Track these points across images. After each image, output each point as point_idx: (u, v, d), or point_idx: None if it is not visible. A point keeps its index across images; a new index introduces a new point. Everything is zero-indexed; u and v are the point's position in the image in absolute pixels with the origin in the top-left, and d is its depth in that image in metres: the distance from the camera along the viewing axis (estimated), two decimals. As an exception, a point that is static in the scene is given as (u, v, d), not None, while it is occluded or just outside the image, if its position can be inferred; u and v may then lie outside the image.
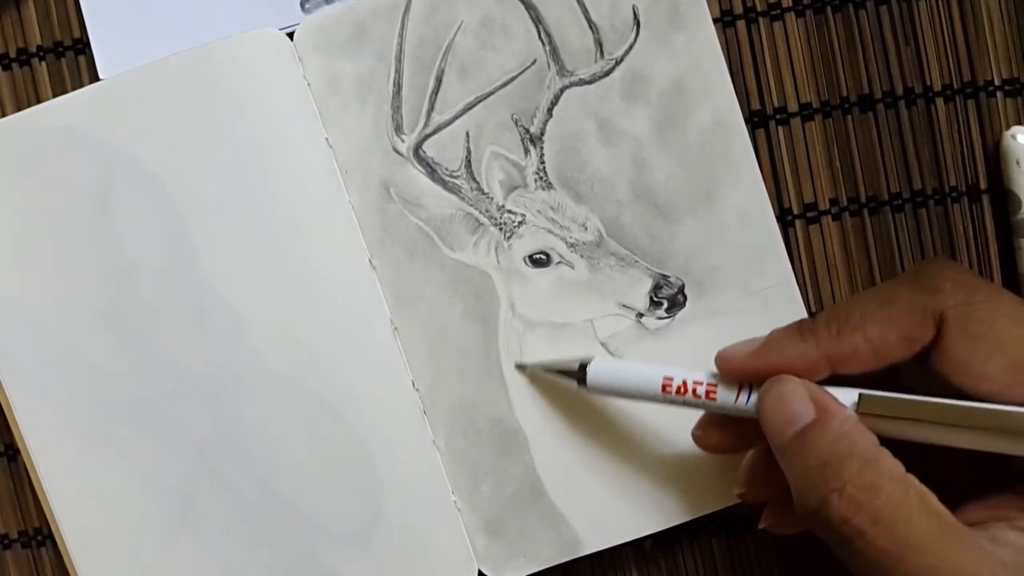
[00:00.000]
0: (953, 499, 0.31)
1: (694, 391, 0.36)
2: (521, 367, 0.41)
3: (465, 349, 0.41)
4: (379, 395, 0.41)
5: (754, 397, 0.35)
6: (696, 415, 0.37)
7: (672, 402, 0.36)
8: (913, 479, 0.31)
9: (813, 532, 0.37)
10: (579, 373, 0.38)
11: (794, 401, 0.33)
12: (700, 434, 0.37)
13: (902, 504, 0.30)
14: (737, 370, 0.35)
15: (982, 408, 0.32)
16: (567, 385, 0.39)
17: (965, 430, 0.32)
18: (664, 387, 0.36)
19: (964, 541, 0.30)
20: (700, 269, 0.41)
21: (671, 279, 0.41)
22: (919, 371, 0.33)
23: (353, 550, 0.41)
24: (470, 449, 0.41)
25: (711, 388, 0.36)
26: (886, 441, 0.32)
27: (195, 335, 0.41)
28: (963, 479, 0.33)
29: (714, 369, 0.36)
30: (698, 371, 0.36)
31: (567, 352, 0.41)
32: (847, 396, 0.33)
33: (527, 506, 0.41)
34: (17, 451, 0.42)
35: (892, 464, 0.31)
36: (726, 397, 0.35)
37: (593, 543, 0.41)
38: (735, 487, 0.38)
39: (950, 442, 0.32)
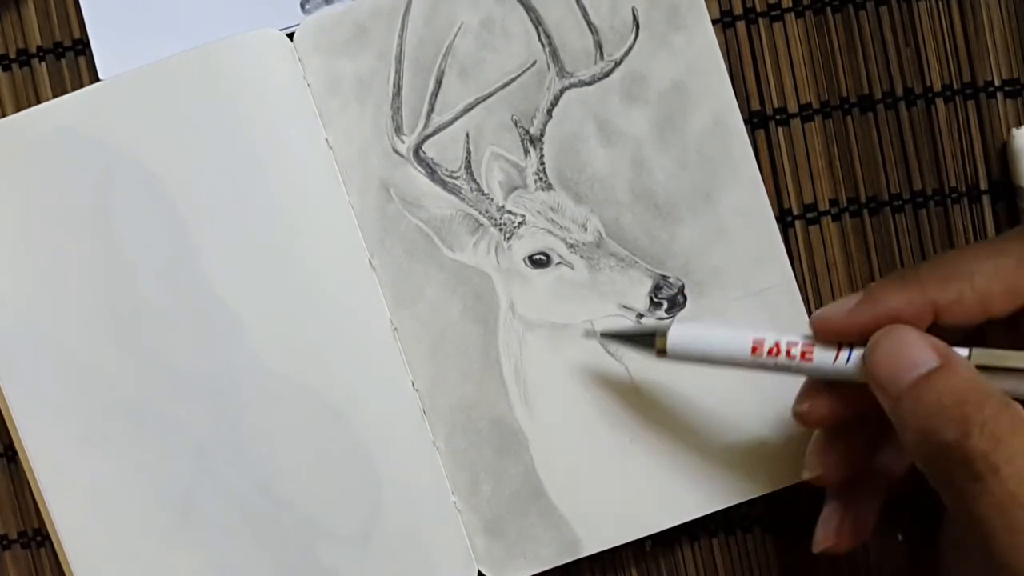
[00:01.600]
0: None
1: (788, 351, 0.35)
2: (599, 333, 0.40)
3: (465, 349, 0.41)
4: (379, 395, 0.41)
5: (855, 355, 0.34)
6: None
7: (762, 366, 0.35)
8: None
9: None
10: (659, 340, 0.37)
11: (914, 347, 0.32)
12: (807, 408, 0.36)
13: None
14: (839, 327, 0.34)
15: None
16: (644, 354, 0.38)
17: None
18: (754, 349, 0.35)
19: None
20: (700, 270, 0.41)
21: (671, 280, 0.41)
22: (1008, 336, 0.33)
23: (353, 550, 0.41)
24: (470, 449, 0.41)
25: (807, 349, 0.34)
26: None
27: (194, 335, 0.41)
28: None
29: (804, 331, 0.35)
30: (790, 332, 0.35)
31: (571, 351, 0.41)
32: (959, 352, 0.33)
33: (527, 506, 0.41)
34: (16, 452, 0.41)
35: (1020, 409, 0.31)
36: (824, 357, 0.34)
37: (593, 544, 0.41)
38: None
39: None
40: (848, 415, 0.36)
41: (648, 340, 0.37)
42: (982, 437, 0.30)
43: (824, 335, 0.35)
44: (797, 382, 0.36)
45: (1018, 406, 0.31)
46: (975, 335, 0.34)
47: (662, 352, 0.37)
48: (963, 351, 0.33)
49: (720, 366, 0.36)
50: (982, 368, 0.33)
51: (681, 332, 0.37)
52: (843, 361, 0.34)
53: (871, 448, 0.37)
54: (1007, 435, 0.30)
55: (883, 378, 0.33)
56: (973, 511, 0.30)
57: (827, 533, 0.37)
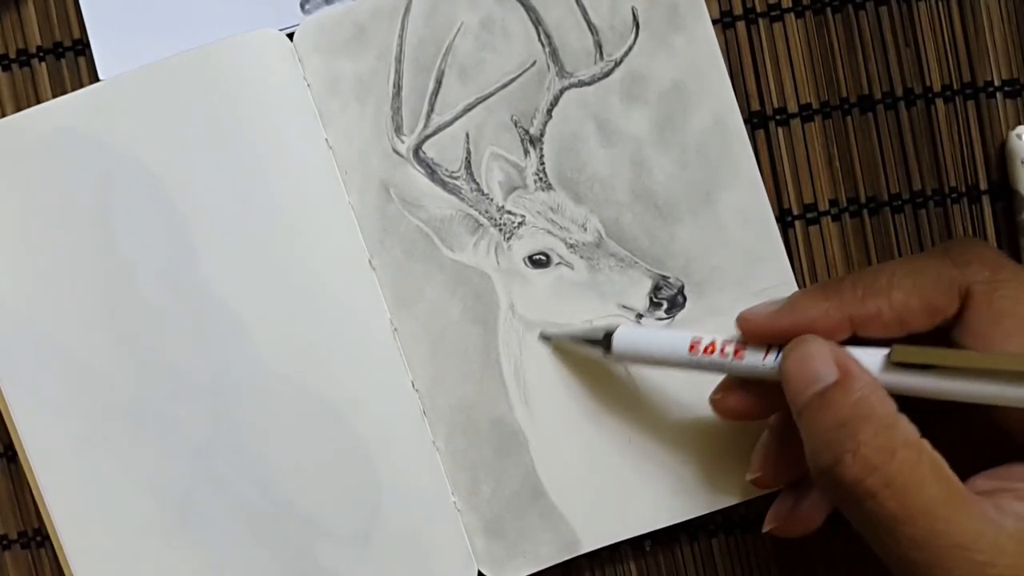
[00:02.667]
0: (963, 470, 0.32)
1: (722, 350, 0.36)
2: (546, 337, 0.41)
3: (465, 350, 0.41)
4: (379, 396, 0.41)
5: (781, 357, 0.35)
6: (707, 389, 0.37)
7: (699, 365, 0.36)
8: (927, 444, 0.31)
9: (816, 533, 0.37)
10: (604, 341, 0.38)
11: (817, 361, 0.33)
12: (719, 397, 0.37)
13: (914, 469, 0.30)
14: (758, 329, 0.35)
15: (1012, 355, 0.32)
16: (592, 355, 0.39)
17: (991, 382, 0.32)
18: (692, 347, 0.36)
19: (970, 507, 0.30)
20: (700, 270, 0.41)
21: (671, 280, 0.41)
22: (935, 345, 0.34)
23: (353, 551, 0.41)
24: (470, 450, 0.41)
25: (740, 347, 0.36)
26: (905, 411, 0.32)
27: (194, 336, 0.41)
28: (974, 451, 0.33)
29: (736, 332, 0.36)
30: (724, 334, 0.36)
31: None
32: (876, 354, 0.33)
33: (527, 506, 0.41)
34: (16, 452, 0.41)
35: (908, 429, 0.31)
36: (754, 357, 0.35)
37: (592, 542, 0.41)
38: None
39: (976, 396, 0.32)
40: (759, 411, 0.37)
41: (598, 342, 0.39)
42: (854, 464, 0.30)
43: (745, 335, 0.36)
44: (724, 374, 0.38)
45: (904, 424, 0.31)
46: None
47: (608, 351, 0.38)
48: (883, 351, 0.33)
49: (663, 366, 0.38)
50: (901, 365, 0.33)
51: (624, 334, 0.38)
52: (771, 361, 0.35)
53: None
54: (882, 461, 0.30)
55: (790, 391, 0.33)
56: (863, 529, 0.31)
57: (775, 516, 0.38)
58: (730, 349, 0.36)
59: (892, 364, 0.33)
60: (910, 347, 0.33)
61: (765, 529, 0.38)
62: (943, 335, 0.34)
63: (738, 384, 0.37)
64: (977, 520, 0.30)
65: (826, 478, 0.31)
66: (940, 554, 0.29)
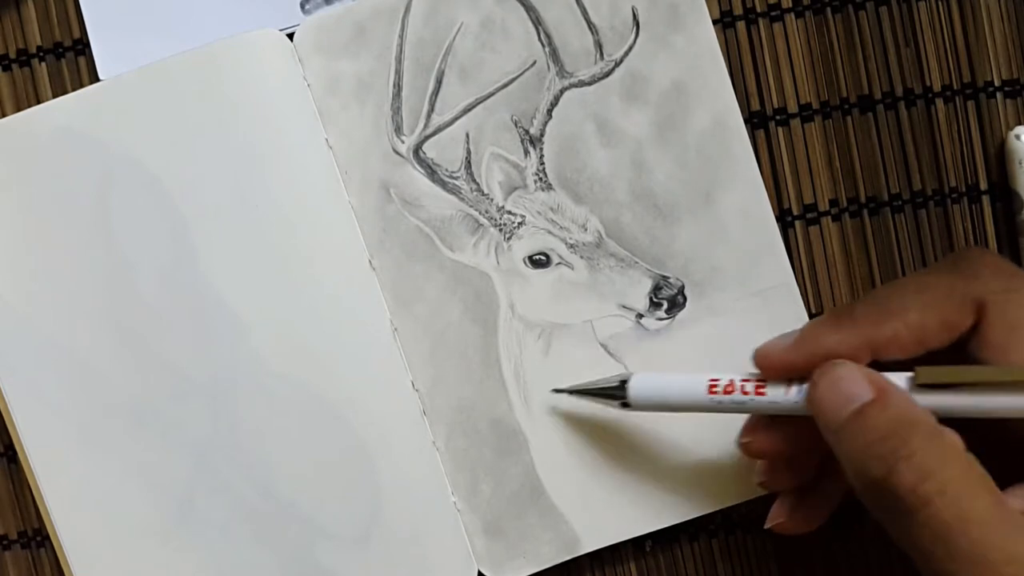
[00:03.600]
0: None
1: (743, 389, 0.35)
2: (559, 391, 0.40)
3: (465, 350, 0.41)
4: (379, 396, 0.41)
5: (806, 388, 0.34)
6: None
7: (719, 407, 0.35)
8: (975, 459, 0.30)
9: (816, 534, 0.37)
10: (619, 391, 0.38)
11: (851, 382, 0.32)
12: (749, 440, 0.36)
13: (967, 479, 0.30)
14: (777, 364, 0.35)
15: None
16: (608, 411, 0.39)
17: (1018, 395, 0.31)
18: (711, 388, 0.35)
19: (1020, 524, 0.29)
20: (700, 270, 0.41)
21: (671, 280, 0.41)
22: (955, 360, 0.33)
23: (353, 551, 0.41)
24: (470, 450, 0.41)
25: (760, 384, 0.35)
26: None
27: (194, 336, 0.41)
28: (1004, 468, 0.32)
29: (750, 369, 0.35)
30: (738, 372, 0.35)
31: (571, 351, 0.41)
32: (899, 379, 0.33)
33: (527, 506, 0.41)
34: (16, 452, 0.41)
35: (956, 440, 0.31)
36: (776, 392, 0.35)
37: (592, 542, 0.41)
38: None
39: (1004, 410, 0.32)
40: (790, 449, 0.36)
41: (613, 393, 0.38)
42: (908, 471, 0.30)
43: (765, 371, 0.35)
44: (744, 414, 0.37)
45: (950, 435, 0.31)
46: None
47: (626, 405, 0.38)
48: (906, 375, 0.33)
49: (682, 411, 0.37)
50: (927, 386, 0.33)
51: (640, 383, 0.37)
52: (793, 396, 0.34)
53: (821, 461, 0.37)
54: (936, 467, 0.30)
55: (823, 415, 0.33)
56: (912, 542, 0.30)
57: (779, 512, 0.38)
58: (751, 387, 0.35)
59: (918, 387, 0.33)
60: (934, 368, 0.33)
61: (767, 526, 0.38)
62: (960, 351, 0.33)
63: (763, 423, 0.36)
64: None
65: (876, 490, 0.31)
66: (991, 569, 0.29)
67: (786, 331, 0.35)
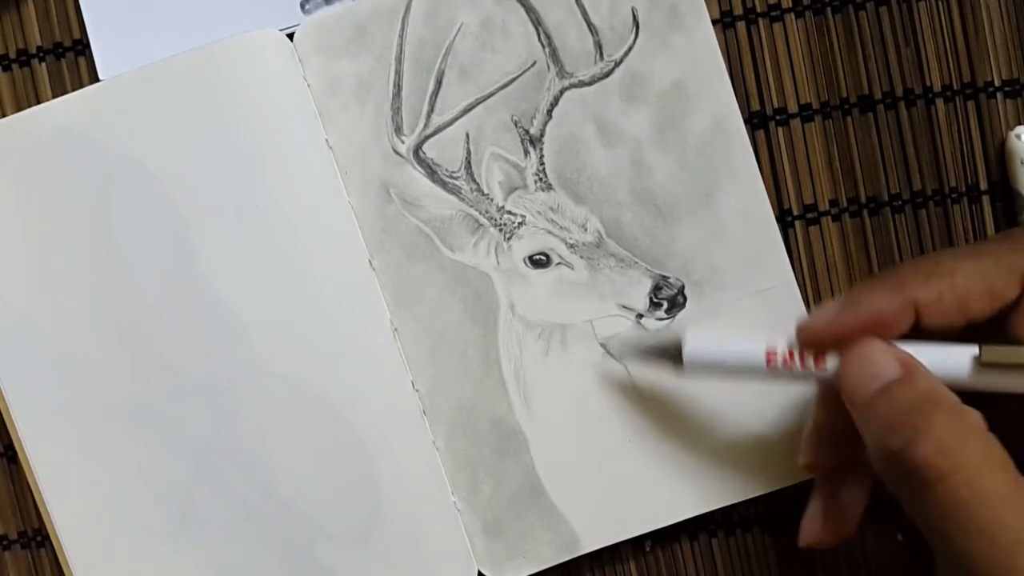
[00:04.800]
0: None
1: (802, 361, 0.35)
2: (609, 355, 0.40)
3: (465, 350, 0.41)
4: (379, 396, 0.41)
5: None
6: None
7: (775, 376, 0.35)
8: (995, 438, 0.31)
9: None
10: (674, 353, 0.37)
11: (880, 360, 0.33)
12: (812, 461, 0.37)
13: (986, 457, 0.30)
14: (822, 335, 0.35)
15: None
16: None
17: None
18: (769, 360, 0.35)
19: None
20: (700, 270, 0.41)
21: (671, 280, 0.41)
22: (994, 336, 0.34)
23: (353, 551, 0.41)
24: (470, 450, 0.41)
25: (820, 356, 0.35)
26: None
27: (194, 336, 0.41)
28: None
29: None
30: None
31: (571, 351, 0.41)
32: (964, 355, 0.33)
33: (527, 506, 0.41)
34: (16, 452, 0.41)
35: (977, 419, 0.31)
36: (836, 364, 0.34)
37: (592, 542, 0.41)
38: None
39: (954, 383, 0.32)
40: (848, 459, 0.36)
41: (670, 354, 0.38)
42: (927, 445, 0.30)
43: (811, 343, 0.35)
44: (796, 384, 0.37)
45: (972, 414, 0.31)
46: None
47: (679, 363, 0.37)
48: (973, 348, 0.33)
49: (737, 380, 0.37)
50: (991, 365, 0.33)
51: (696, 346, 0.37)
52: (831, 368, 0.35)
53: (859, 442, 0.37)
54: (955, 444, 0.30)
55: (851, 390, 0.33)
56: (927, 517, 0.30)
57: (812, 527, 0.38)
58: (811, 360, 0.35)
59: (981, 365, 0.33)
60: (999, 347, 0.33)
61: (803, 543, 0.38)
62: (999, 327, 0.34)
63: (826, 441, 0.37)
64: None
65: (894, 462, 0.31)
66: (1006, 548, 0.29)
67: (789, 329, 0.35)
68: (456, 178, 0.41)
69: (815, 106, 0.42)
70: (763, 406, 0.40)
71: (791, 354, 0.35)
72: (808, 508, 0.38)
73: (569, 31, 0.41)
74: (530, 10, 0.41)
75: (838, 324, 0.34)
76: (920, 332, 0.34)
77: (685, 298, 0.41)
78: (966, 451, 0.30)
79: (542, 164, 0.41)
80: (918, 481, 0.30)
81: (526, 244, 0.41)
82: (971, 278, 0.33)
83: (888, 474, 0.32)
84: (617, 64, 0.41)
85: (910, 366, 0.33)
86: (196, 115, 0.41)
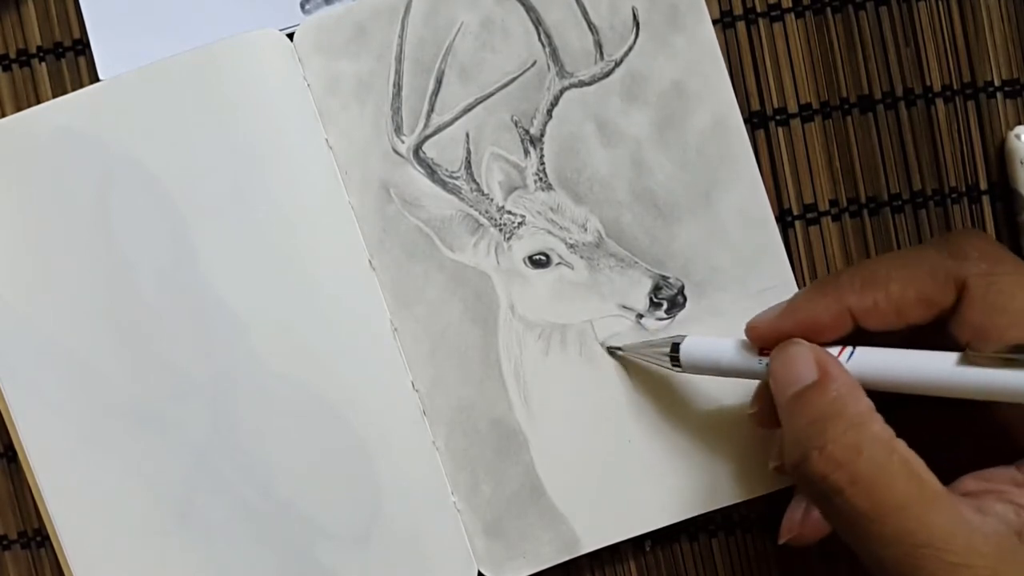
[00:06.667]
0: (954, 472, 0.32)
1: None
2: (612, 351, 0.41)
3: (465, 350, 0.41)
4: (379, 396, 0.41)
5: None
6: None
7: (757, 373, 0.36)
8: (901, 444, 0.31)
9: (826, 539, 0.37)
10: (672, 352, 0.38)
11: (799, 363, 0.33)
12: (781, 463, 0.37)
13: (883, 467, 0.30)
14: (766, 334, 0.35)
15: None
16: (660, 370, 0.39)
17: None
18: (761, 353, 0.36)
19: (943, 506, 0.30)
20: (700, 270, 0.41)
21: (671, 280, 0.41)
22: (938, 338, 0.34)
23: (353, 551, 0.41)
24: (470, 450, 0.41)
25: (765, 353, 0.36)
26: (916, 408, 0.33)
27: (194, 336, 0.41)
28: (967, 455, 0.33)
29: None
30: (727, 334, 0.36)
31: (571, 351, 0.41)
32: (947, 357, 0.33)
33: (527, 506, 0.41)
34: (16, 452, 0.41)
35: (879, 429, 0.31)
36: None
37: (592, 542, 0.41)
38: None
39: (932, 389, 0.33)
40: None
41: (667, 354, 0.38)
42: (820, 461, 0.31)
43: (755, 341, 0.36)
44: None
45: (877, 423, 0.31)
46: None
47: (677, 365, 0.38)
48: (952, 355, 0.33)
49: (732, 375, 0.37)
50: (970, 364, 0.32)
51: (691, 346, 0.38)
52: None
53: None
54: (847, 458, 0.31)
55: (775, 392, 0.34)
56: (836, 525, 0.31)
57: (791, 525, 0.38)
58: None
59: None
60: (870, 349, 0.34)
61: (782, 540, 0.38)
62: (942, 330, 0.34)
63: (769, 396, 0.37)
64: (950, 520, 0.30)
65: (797, 473, 0.32)
66: (910, 552, 0.29)
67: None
68: (456, 178, 0.41)
69: (815, 106, 0.42)
70: (763, 406, 0.40)
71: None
72: (790, 505, 0.38)
73: (569, 31, 0.41)
74: (530, 10, 0.41)
75: (777, 325, 0.35)
76: (862, 334, 0.34)
77: (685, 298, 0.41)
78: (860, 464, 0.30)
79: (542, 164, 0.41)
80: (821, 491, 0.31)
81: (526, 244, 0.41)
82: (906, 286, 0.34)
83: (798, 484, 0.33)
84: (617, 64, 0.41)
85: (826, 369, 0.33)
86: (196, 115, 0.41)
